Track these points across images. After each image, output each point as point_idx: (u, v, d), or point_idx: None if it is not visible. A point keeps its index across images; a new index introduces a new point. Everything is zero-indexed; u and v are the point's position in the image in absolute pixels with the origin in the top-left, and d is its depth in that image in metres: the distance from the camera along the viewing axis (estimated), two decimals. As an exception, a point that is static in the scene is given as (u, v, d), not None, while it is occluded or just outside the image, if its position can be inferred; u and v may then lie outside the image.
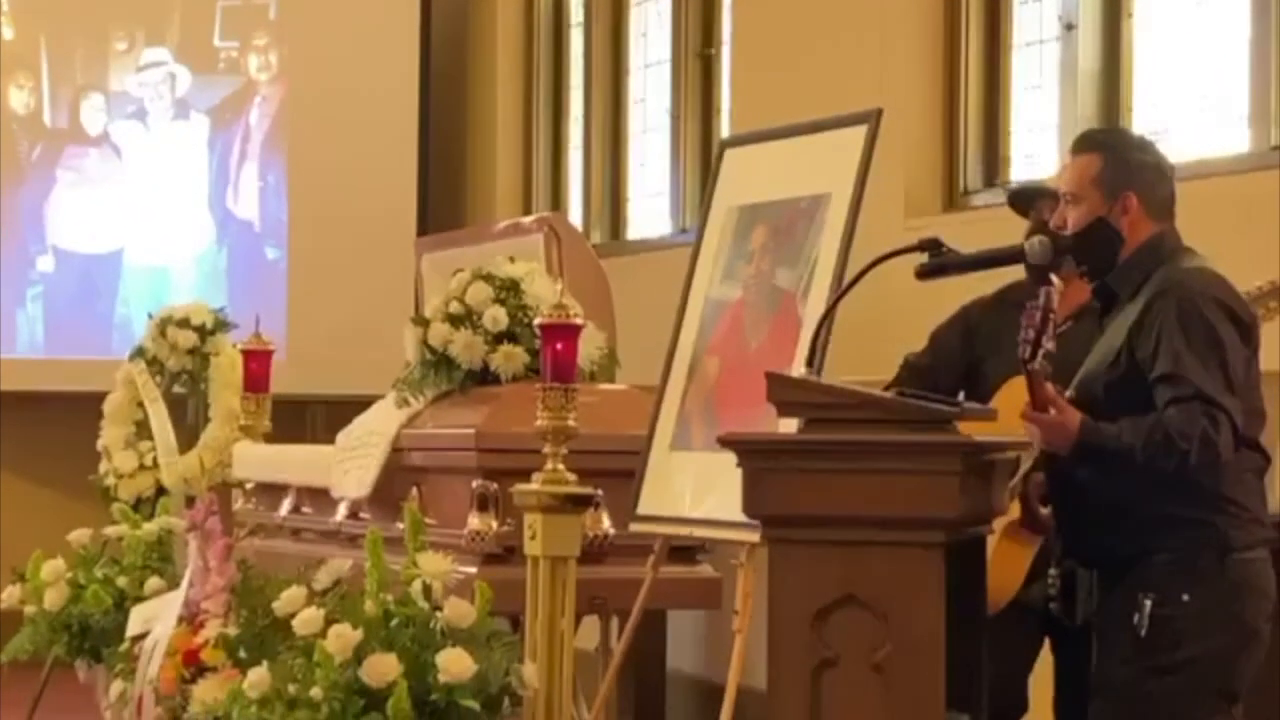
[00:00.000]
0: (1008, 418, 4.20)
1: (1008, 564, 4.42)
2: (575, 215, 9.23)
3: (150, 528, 6.94)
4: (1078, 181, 4.17)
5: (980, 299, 5.06)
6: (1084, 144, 4.25)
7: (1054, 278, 4.06)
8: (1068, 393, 4.04)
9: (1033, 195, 4.98)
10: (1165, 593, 3.98)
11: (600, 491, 5.14)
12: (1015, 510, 4.38)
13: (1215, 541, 4.00)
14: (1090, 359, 4.12)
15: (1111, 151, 4.18)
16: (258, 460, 6.98)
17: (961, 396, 4.49)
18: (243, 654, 5.20)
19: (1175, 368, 3.95)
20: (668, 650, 7.33)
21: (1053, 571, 4.37)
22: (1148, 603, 3.98)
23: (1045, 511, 4.27)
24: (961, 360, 4.98)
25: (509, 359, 5.78)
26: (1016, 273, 4.88)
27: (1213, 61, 5.92)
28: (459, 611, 4.67)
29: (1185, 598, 3.97)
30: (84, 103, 9.94)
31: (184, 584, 5.86)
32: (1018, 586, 4.46)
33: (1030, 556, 4.46)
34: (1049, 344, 3.88)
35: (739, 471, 3.88)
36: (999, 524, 4.35)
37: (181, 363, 7.71)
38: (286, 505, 6.65)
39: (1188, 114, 5.99)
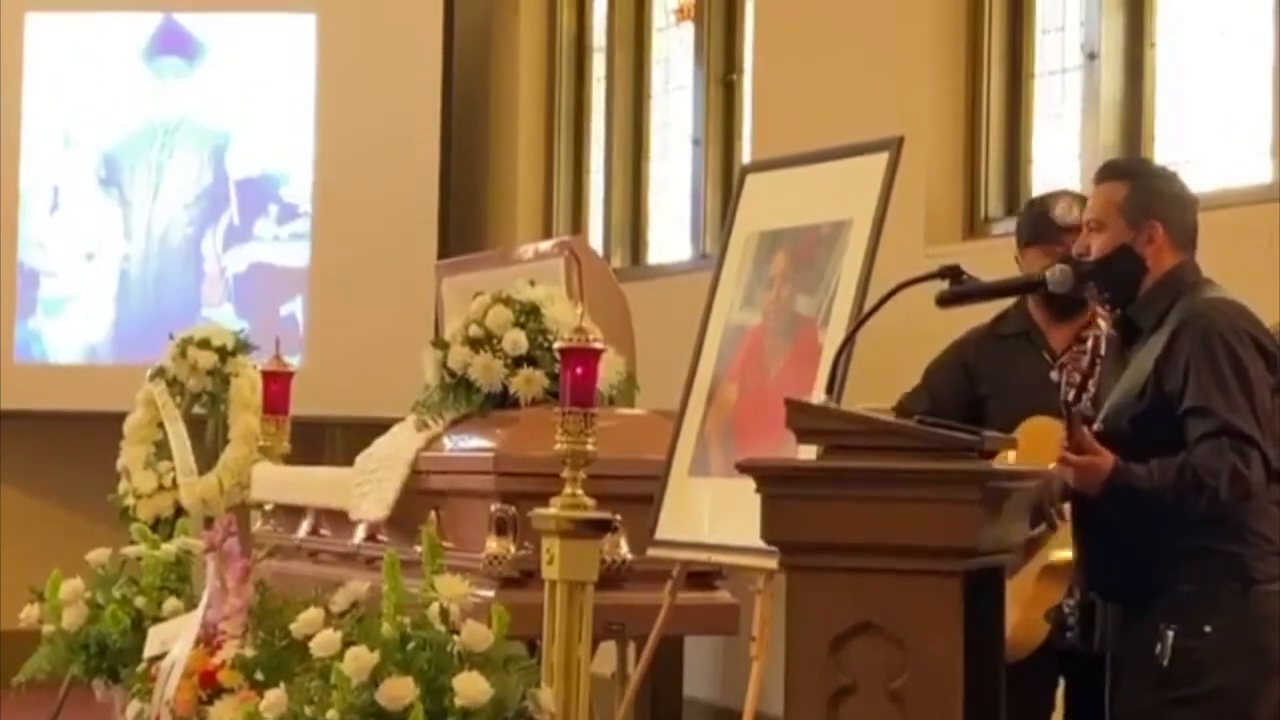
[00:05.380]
0: (1027, 457, 4.18)
1: (1044, 605, 4.41)
2: (596, 239, 9.23)
3: (169, 548, 6.94)
4: (1102, 209, 4.16)
5: (973, 332, 5.03)
6: (1108, 172, 4.24)
7: (1102, 323, 4.04)
8: (1096, 425, 4.03)
9: (1049, 231, 4.93)
10: (1187, 624, 3.96)
11: (618, 516, 5.14)
12: (1049, 552, 4.36)
13: (1239, 573, 3.98)
14: (1116, 392, 4.10)
15: (1136, 179, 4.18)
16: (276, 482, 6.98)
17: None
18: (260, 675, 5.20)
19: (1203, 400, 3.94)
20: (685, 676, 7.31)
21: (1070, 601, 4.35)
22: (1170, 634, 3.96)
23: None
24: (963, 401, 4.92)
25: (528, 383, 5.78)
26: (1006, 303, 4.87)
27: (1236, 92, 5.92)
28: (476, 635, 4.67)
29: (1208, 629, 3.96)
30: (119, 125, 9.97)
31: (202, 605, 5.86)
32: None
33: (1063, 597, 4.44)
34: (1093, 387, 3.88)
35: (757, 497, 3.87)
36: (1034, 565, 4.34)
37: (201, 383, 7.73)
38: (305, 527, 6.65)
39: (1210, 144, 5.98)
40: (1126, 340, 4.16)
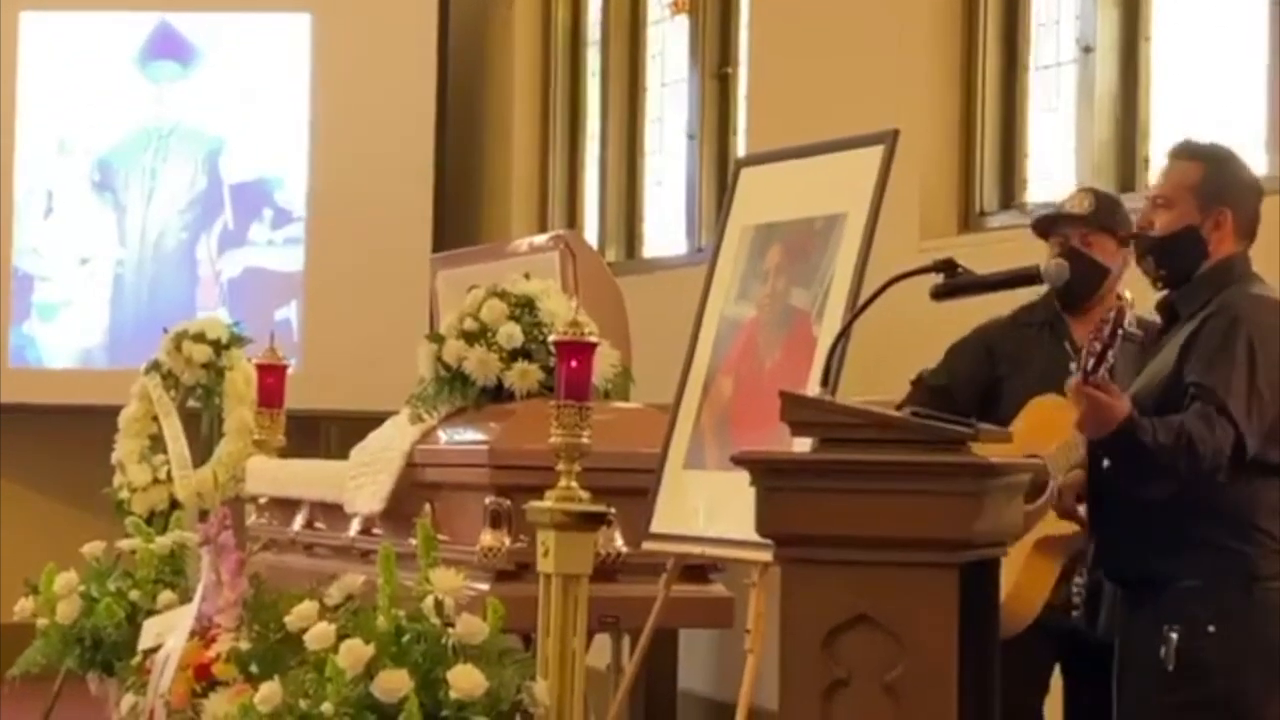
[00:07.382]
0: (1031, 437, 4.18)
1: (1036, 578, 4.41)
2: (591, 233, 9.23)
3: (163, 541, 6.95)
4: (1174, 186, 4.13)
5: (996, 319, 5.06)
6: (1185, 152, 4.21)
7: (1127, 293, 4.03)
8: None
9: (1055, 220, 4.95)
10: (1190, 624, 3.93)
11: (613, 509, 5.14)
12: (1045, 525, 4.36)
13: (1243, 570, 3.96)
14: (1143, 376, 4.09)
15: (1213, 163, 4.16)
16: (271, 475, 6.98)
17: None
18: (254, 668, 5.20)
19: (1208, 379, 3.94)
20: (679, 669, 7.31)
21: (1079, 580, 4.33)
22: (1174, 636, 3.93)
23: (1080, 509, 4.23)
24: (981, 380, 4.96)
25: (523, 376, 5.78)
26: (1031, 294, 4.88)
27: (1231, 85, 5.92)
28: (471, 628, 4.67)
29: (1211, 629, 3.93)
30: (113, 129, 9.95)
31: (196, 598, 5.86)
32: (1044, 600, 4.44)
33: (1058, 571, 4.44)
34: (1112, 357, 3.85)
35: (752, 491, 3.87)
36: (1030, 537, 4.33)
37: (196, 377, 7.73)
38: (299, 520, 6.65)
39: (1206, 138, 5.96)
40: (1164, 326, 4.14)
